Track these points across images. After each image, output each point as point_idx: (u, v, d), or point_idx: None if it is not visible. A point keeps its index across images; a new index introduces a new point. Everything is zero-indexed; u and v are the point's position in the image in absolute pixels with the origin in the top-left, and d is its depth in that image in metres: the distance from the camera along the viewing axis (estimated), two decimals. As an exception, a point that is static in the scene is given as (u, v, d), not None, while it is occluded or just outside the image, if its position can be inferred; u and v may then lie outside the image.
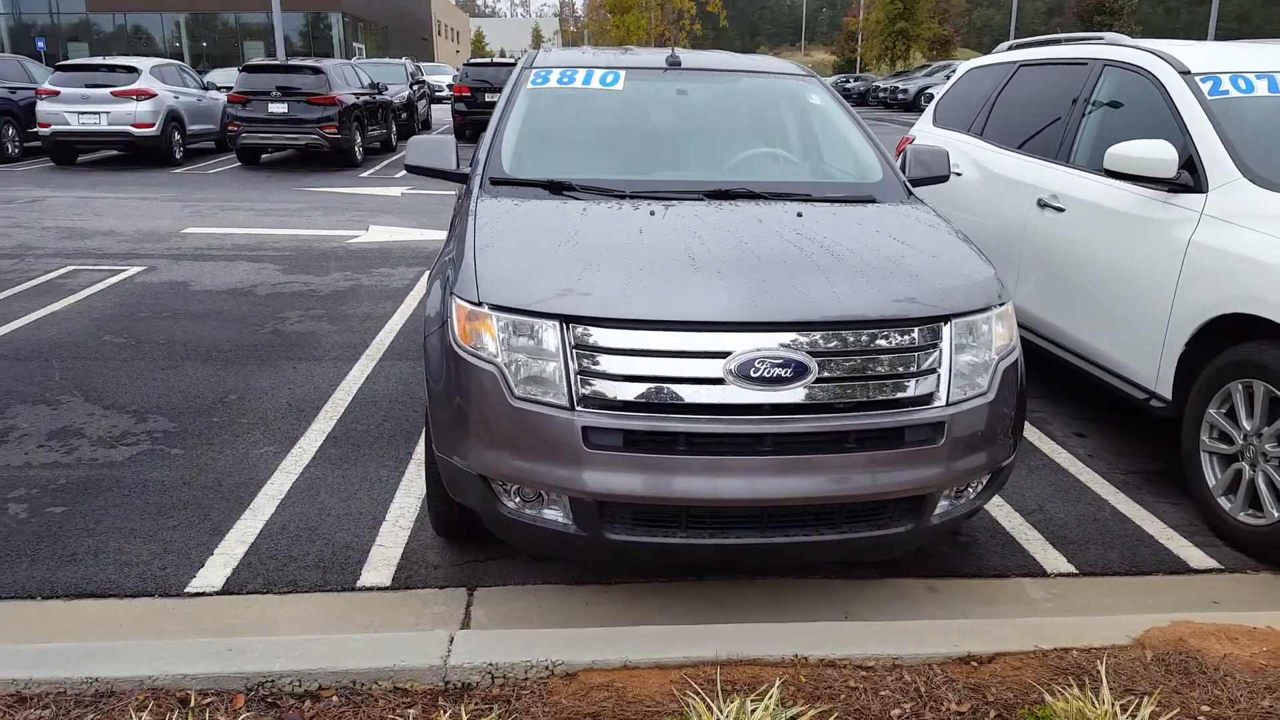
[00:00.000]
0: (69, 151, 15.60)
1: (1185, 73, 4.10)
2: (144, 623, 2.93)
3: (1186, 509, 3.83)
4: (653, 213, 3.27)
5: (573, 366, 2.66)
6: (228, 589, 3.14)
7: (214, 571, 3.23)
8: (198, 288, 7.33)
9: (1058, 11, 62.19)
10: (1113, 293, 4.17)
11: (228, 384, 5.12)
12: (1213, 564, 3.45)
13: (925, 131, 6.34)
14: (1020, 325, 4.99)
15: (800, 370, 2.65)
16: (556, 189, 3.54)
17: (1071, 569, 3.39)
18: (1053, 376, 5.35)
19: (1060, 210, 4.58)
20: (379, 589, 3.16)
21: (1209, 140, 3.82)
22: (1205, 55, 4.20)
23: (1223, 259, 3.57)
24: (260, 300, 6.99)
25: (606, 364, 2.66)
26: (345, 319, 6.50)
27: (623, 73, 4.20)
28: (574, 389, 2.65)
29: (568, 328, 2.67)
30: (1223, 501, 3.58)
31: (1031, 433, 4.63)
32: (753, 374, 2.63)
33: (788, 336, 2.67)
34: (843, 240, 3.10)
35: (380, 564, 3.30)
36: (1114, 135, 4.31)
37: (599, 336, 2.66)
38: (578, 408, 2.65)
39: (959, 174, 5.65)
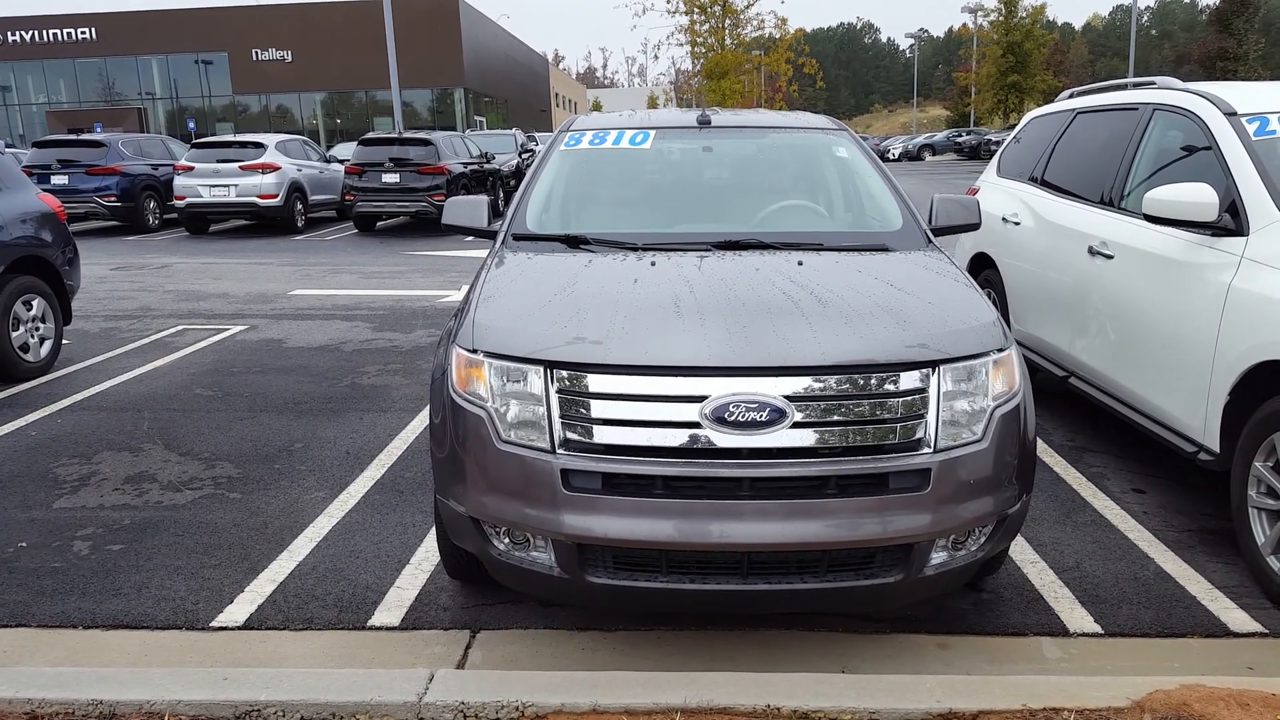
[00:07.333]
0: (201, 221, 16.83)
1: (1231, 114, 3.95)
2: (165, 653, 3.10)
3: (1239, 570, 3.60)
4: (653, 263, 3.34)
5: (555, 411, 2.74)
6: (249, 624, 3.30)
7: (240, 608, 3.41)
8: (290, 345, 7.76)
9: (1185, 60, 59.86)
10: (1158, 341, 4.00)
11: (296, 433, 5.40)
12: (1256, 627, 3.22)
13: (989, 182, 6.24)
14: (1081, 379, 4.82)
15: (776, 415, 2.65)
16: (573, 243, 3.65)
17: (1097, 629, 3.22)
18: (1115, 431, 5.12)
19: (1109, 257, 4.44)
20: (387, 628, 3.26)
21: (1251, 181, 3.66)
22: (1253, 95, 4.04)
23: (1261, 303, 3.39)
24: (345, 356, 7.35)
25: (587, 408, 2.72)
26: (419, 372, 6.76)
27: (653, 132, 4.32)
28: (556, 433, 2.73)
29: (551, 373, 2.76)
30: (1271, 561, 3.35)
31: (1085, 488, 4.44)
32: (727, 418, 2.65)
33: (763, 381, 2.68)
34: (836, 287, 3.09)
35: (394, 605, 3.41)
36: (1161, 180, 4.18)
37: (579, 381, 2.73)
38: (559, 451, 2.71)
39: (1017, 223, 5.55)
